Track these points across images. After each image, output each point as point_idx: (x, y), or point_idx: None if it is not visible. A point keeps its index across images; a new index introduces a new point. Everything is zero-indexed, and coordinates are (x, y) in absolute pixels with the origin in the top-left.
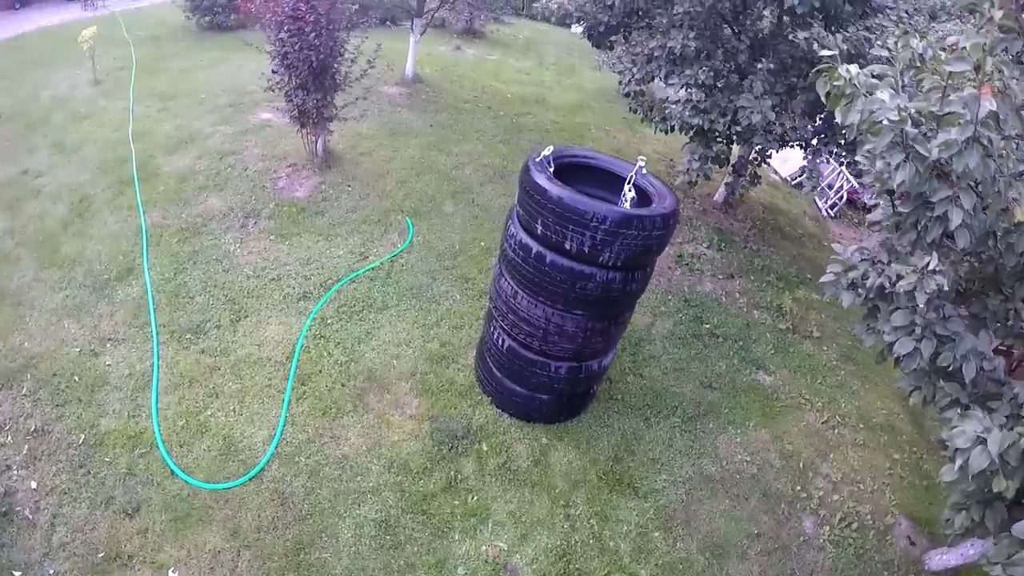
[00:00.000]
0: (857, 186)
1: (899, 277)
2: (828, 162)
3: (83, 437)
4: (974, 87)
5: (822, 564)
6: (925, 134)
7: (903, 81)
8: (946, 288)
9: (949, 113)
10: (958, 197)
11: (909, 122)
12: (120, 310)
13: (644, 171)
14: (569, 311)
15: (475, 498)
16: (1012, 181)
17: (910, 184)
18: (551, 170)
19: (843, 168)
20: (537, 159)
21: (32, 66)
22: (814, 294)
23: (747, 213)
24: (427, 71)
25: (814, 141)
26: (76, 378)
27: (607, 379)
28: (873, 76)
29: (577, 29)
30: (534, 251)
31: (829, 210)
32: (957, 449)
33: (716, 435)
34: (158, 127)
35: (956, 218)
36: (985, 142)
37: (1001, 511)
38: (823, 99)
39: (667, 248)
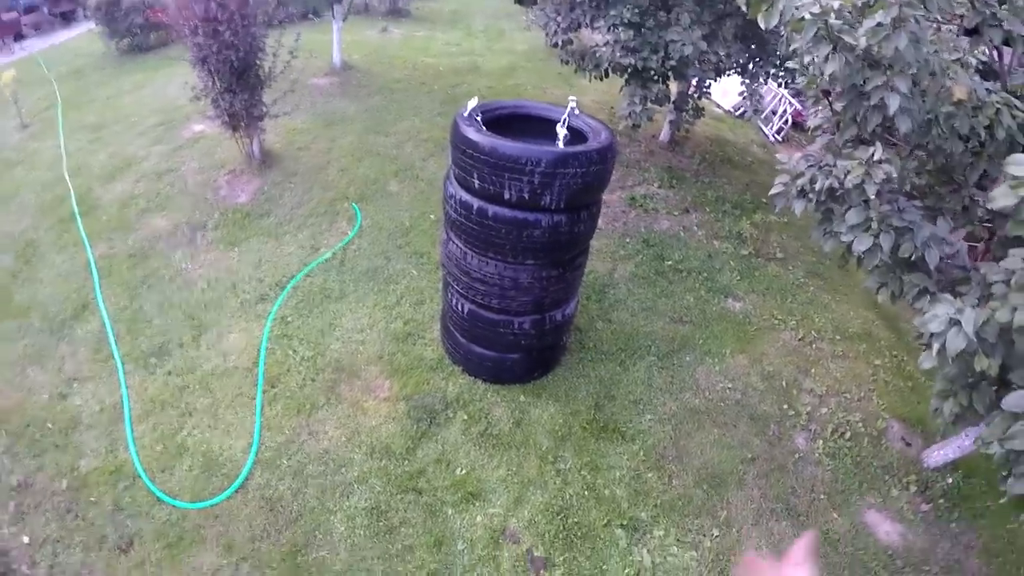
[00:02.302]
0: (800, 108)
1: (847, 173)
2: (765, 83)
3: (66, 482)
4: None
5: (821, 477)
6: (851, 24)
7: None
8: (894, 175)
9: (873, 3)
10: (893, 82)
11: (832, 14)
12: (81, 348)
13: (577, 111)
14: (520, 262)
15: (462, 470)
16: (948, 66)
17: (841, 75)
18: (480, 124)
19: (784, 91)
20: (465, 114)
21: None
22: (771, 216)
23: (695, 149)
24: (356, 57)
25: (750, 66)
26: (49, 424)
27: (576, 329)
28: None
29: None
30: (475, 207)
31: (776, 135)
32: (932, 334)
33: (694, 367)
34: (92, 159)
35: (894, 103)
36: (912, 24)
37: (988, 392)
38: (744, 8)
39: (619, 192)
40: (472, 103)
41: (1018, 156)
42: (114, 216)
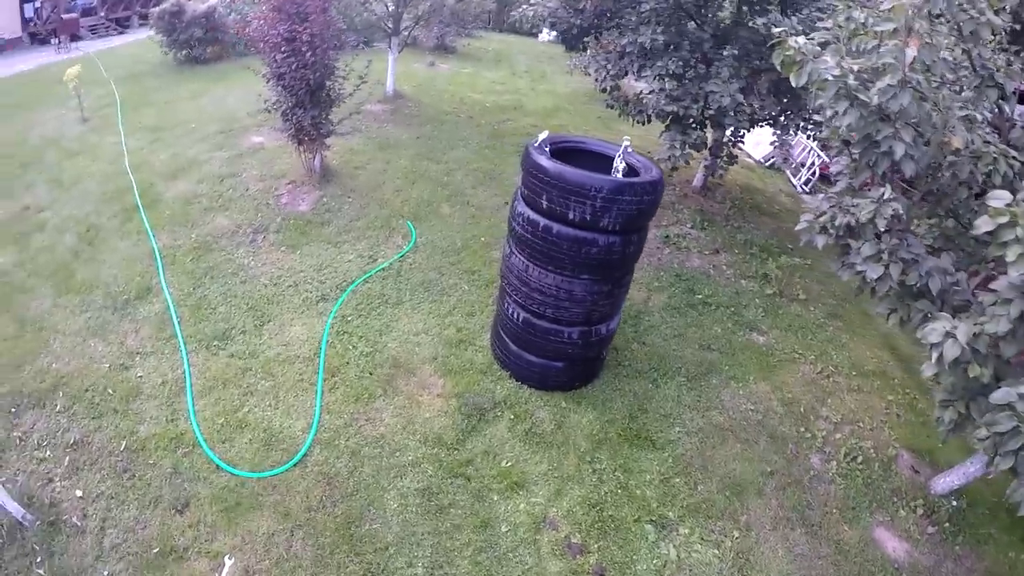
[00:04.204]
0: (827, 160)
1: (862, 211)
2: (795, 135)
3: (124, 444)
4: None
5: (834, 494)
6: (865, 85)
7: (848, 47)
8: (901, 212)
9: (885, 65)
10: (899, 133)
11: (851, 76)
12: (144, 326)
13: (630, 149)
14: (577, 276)
15: (508, 462)
16: (949, 120)
17: (856, 126)
18: (548, 153)
19: (813, 144)
20: (535, 144)
21: (16, 108)
22: (796, 258)
23: (725, 195)
24: (406, 88)
25: (781, 118)
26: (110, 391)
27: (613, 348)
28: (818, 44)
29: (545, 37)
30: (541, 224)
31: (803, 186)
32: (932, 344)
33: (720, 389)
34: (153, 157)
35: (899, 150)
36: (915, 84)
37: (984, 403)
38: (778, 67)
39: (654, 230)
40: (543, 135)
41: (998, 192)
42: (177, 211)
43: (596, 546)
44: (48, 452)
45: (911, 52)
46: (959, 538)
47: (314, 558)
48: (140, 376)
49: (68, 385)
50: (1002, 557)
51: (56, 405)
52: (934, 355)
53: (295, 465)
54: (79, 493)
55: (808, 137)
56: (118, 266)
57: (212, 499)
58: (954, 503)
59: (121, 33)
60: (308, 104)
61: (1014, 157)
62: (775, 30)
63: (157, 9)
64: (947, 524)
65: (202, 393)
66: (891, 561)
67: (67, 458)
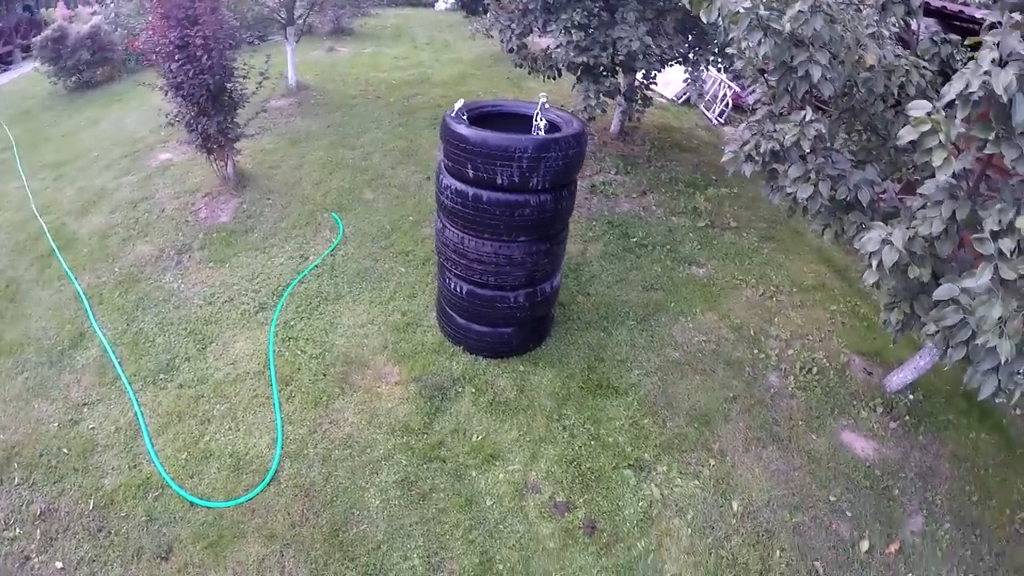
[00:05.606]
0: (739, 91)
1: (785, 135)
2: (707, 70)
3: (92, 502)
4: None
5: (797, 407)
6: (778, 13)
7: None
8: (824, 132)
9: None
10: (814, 56)
11: (761, 7)
12: (85, 374)
13: (547, 106)
14: (514, 240)
15: (478, 436)
16: (860, 40)
17: (772, 55)
18: (467, 121)
19: (723, 77)
20: (452, 114)
21: None
22: (723, 190)
23: (644, 137)
24: (308, 77)
25: (691, 55)
26: (64, 451)
27: (560, 304)
28: None
29: (442, 5)
30: (470, 194)
31: (718, 118)
32: (870, 253)
33: (670, 326)
34: (60, 195)
35: (816, 73)
36: (826, 8)
37: (927, 300)
38: (687, 5)
39: (580, 181)
40: (458, 104)
41: (917, 102)
42: (95, 247)
43: (581, 500)
44: (17, 529)
45: None
46: (920, 428)
47: (310, 573)
48: (92, 428)
49: (21, 454)
50: (963, 439)
51: (14, 478)
52: (874, 262)
53: (269, 484)
54: (59, 565)
55: (719, 71)
56: (45, 317)
57: (194, 538)
58: (910, 397)
59: (5, 70)
60: (211, 111)
61: (925, 67)
62: None
63: (39, 38)
64: (907, 417)
65: (159, 431)
66: (862, 460)
67: (38, 531)
